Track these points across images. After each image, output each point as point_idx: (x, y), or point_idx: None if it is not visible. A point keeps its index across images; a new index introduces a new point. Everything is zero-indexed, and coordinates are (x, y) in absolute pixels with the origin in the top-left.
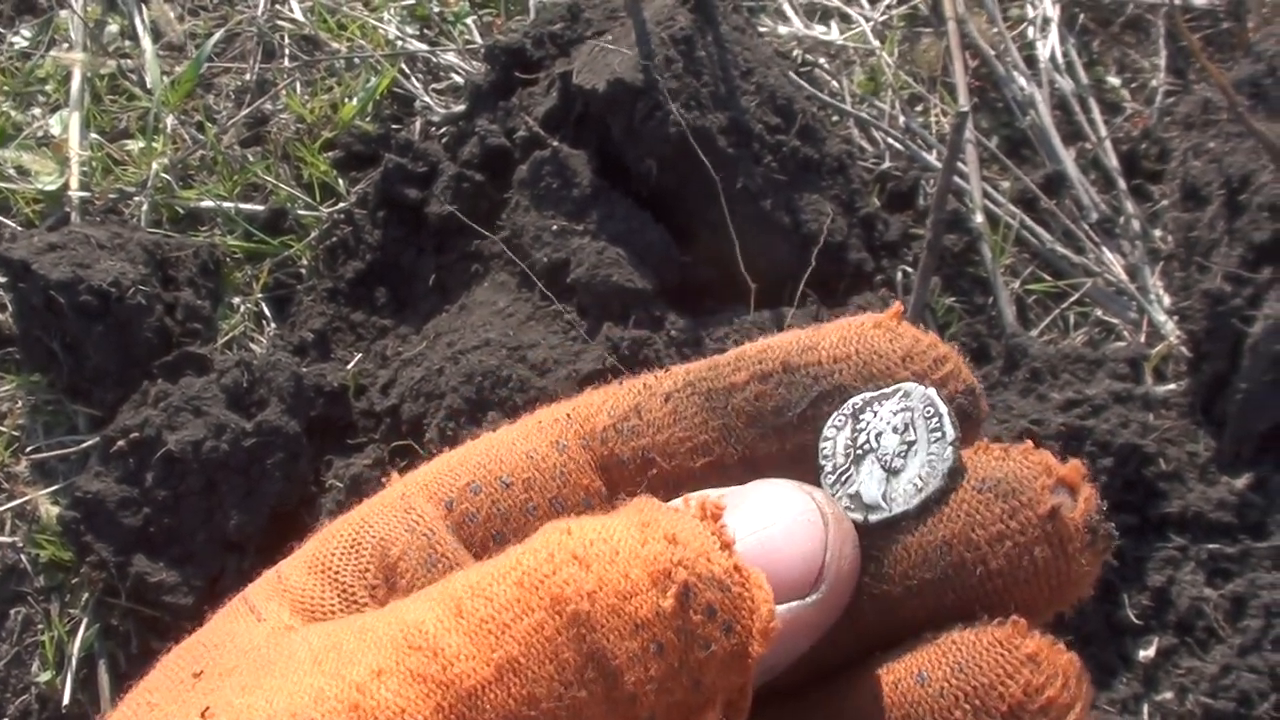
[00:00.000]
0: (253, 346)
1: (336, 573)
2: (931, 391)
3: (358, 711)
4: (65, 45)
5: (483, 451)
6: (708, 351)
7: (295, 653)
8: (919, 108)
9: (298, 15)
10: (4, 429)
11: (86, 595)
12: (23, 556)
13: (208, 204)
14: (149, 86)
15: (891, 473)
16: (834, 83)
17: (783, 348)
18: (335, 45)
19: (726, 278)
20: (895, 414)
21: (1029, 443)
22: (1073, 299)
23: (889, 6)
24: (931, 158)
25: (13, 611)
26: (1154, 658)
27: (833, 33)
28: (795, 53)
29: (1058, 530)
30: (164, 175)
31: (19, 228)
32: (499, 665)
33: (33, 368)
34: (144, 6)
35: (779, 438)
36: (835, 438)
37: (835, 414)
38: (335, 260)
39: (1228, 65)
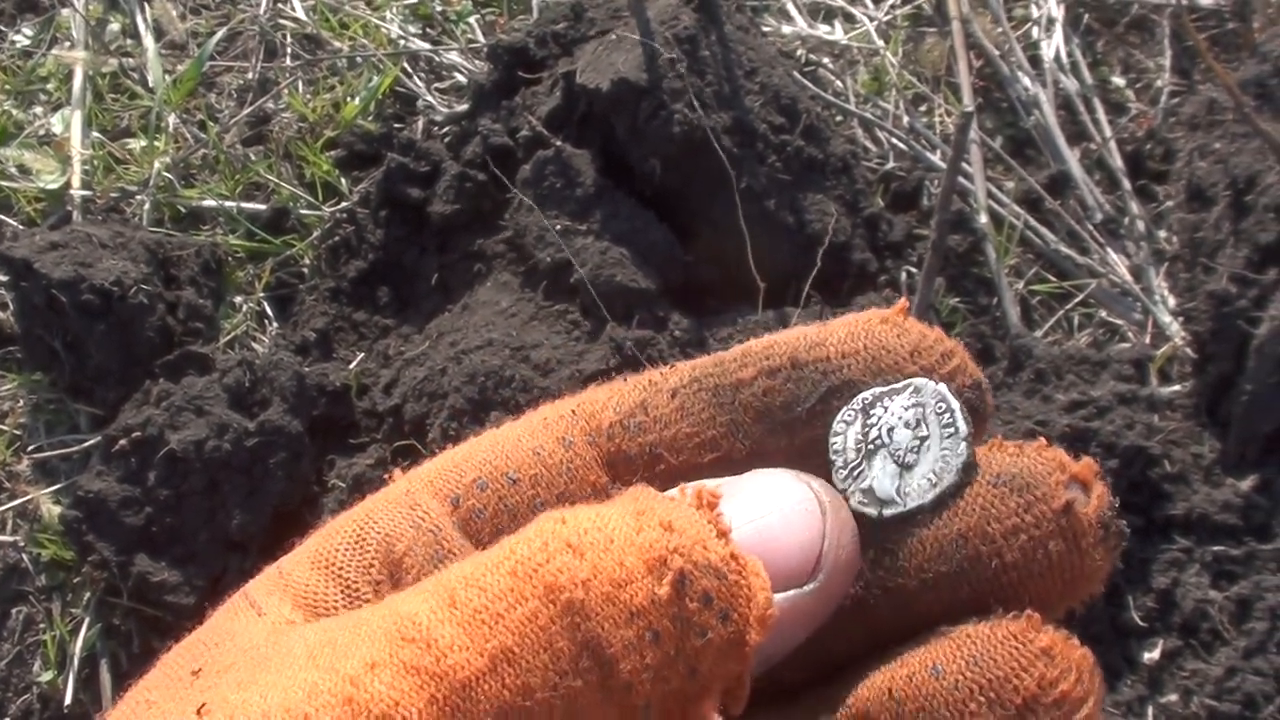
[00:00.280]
0: (255, 346)
1: (340, 568)
2: (943, 387)
3: (351, 705)
4: (67, 44)
5: (488, 448)
6: (711, 351)
7: (292, 648)
8: (923, 108)
9: (300, 14)
10: (6, 428)
11: (88, 595)
12: (24, 556)
13: (210, 203)
14: (151, 85)
15: (905, 467)
16: (838, 82)
17: (790, 343)
18: (337, 44)
19: (730, 278)
20: (907, 409)
21: (1042, 440)
22: (1077, 300)
23: (893, 6)
24: (936, 158)
25: (14, 611)
26: (1159, 660)
27: (837, 32)
28: (799, 52)
29: (1072, 525)
30: (166, 174)
31: (21, 226)
32: (493, 655)
33: (34, 367)
34: (146, 5)
35: (788, 433)
36: (845, 433)
37: (845, 409)
38: (337, 260)
39: (1233, 66)
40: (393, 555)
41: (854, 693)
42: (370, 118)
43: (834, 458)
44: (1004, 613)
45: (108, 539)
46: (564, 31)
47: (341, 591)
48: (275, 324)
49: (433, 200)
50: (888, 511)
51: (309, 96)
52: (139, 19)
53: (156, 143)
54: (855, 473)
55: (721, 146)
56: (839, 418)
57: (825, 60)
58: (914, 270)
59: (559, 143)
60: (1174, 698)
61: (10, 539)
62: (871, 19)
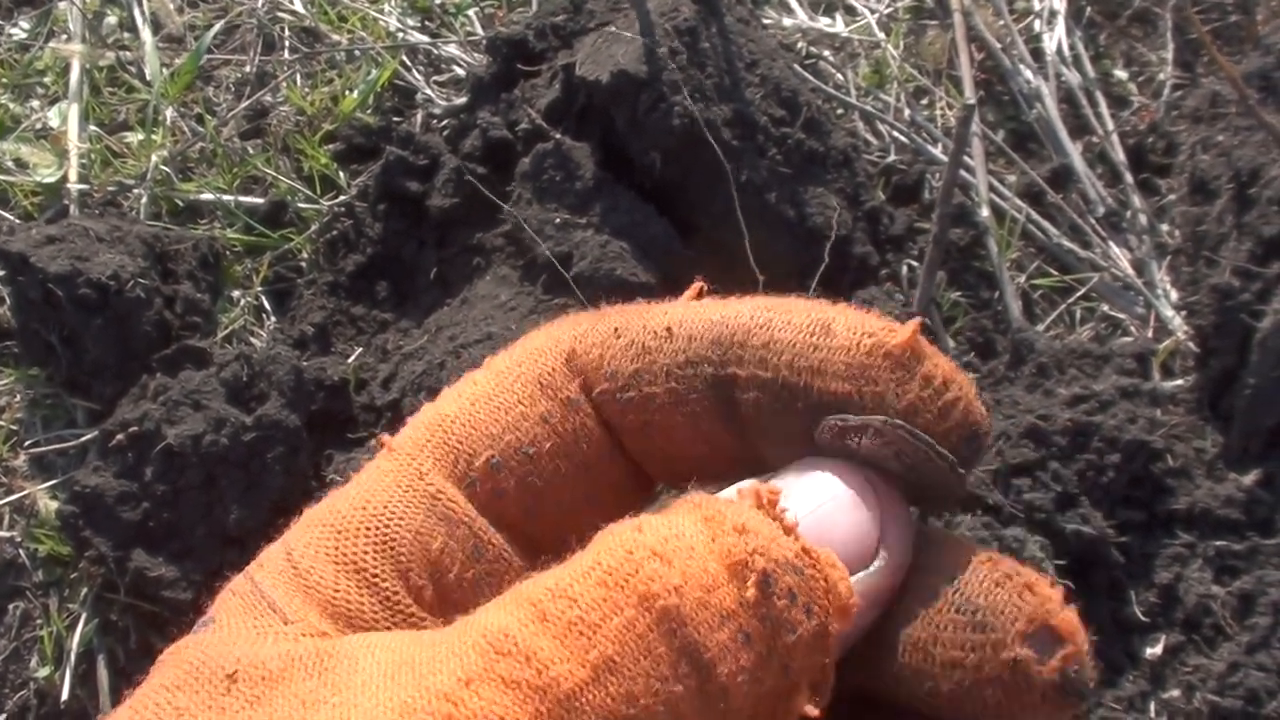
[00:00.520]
0: (253, 340)
1: (375, 577)
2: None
3: None
4: (64, 37)
5: (490, 417)
6: None
7: (359, 664)
8: (924, 101)
9: (298, 7)
10: (2, 423)
11: (85, 590)
12: (21, 551)
13: (207, 197)
14: (148, 79)
15: None
16: (839, 75)
17: (789, 349)
18: (336, 37)
19: (731, 271)
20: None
21: (1044, 577)
22: (1079, 294)
23: None
24: (937, 151)
25: (11, 606)
26: (1161, 655)
27: (837, 25)
28: (800, 45)
29: (1015, 680)
30: (163, 168)
31: (17, 220)
32: (595, 665)
33: (31, 361)
34: None
35: (781, 441)
36: None
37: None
38: (336, 253)
39: (1236, 58)
40: (429, 555)
41: None
42: (369, 111)
43: None
44: None
45: (105, 534)
46: (563, 24)
47: (380, 603)
48: (273, 318)
49: (431, 194)
50: None
51: (307, 90)
52: (136, 12)
53: (154, 136)
54: None
55: (722, 139)
56: None
57: (826, 53)
58: (915, 264)
59: (558, 135)
60: (1176, 693)
61: (7, 534)
62: (872, 11)
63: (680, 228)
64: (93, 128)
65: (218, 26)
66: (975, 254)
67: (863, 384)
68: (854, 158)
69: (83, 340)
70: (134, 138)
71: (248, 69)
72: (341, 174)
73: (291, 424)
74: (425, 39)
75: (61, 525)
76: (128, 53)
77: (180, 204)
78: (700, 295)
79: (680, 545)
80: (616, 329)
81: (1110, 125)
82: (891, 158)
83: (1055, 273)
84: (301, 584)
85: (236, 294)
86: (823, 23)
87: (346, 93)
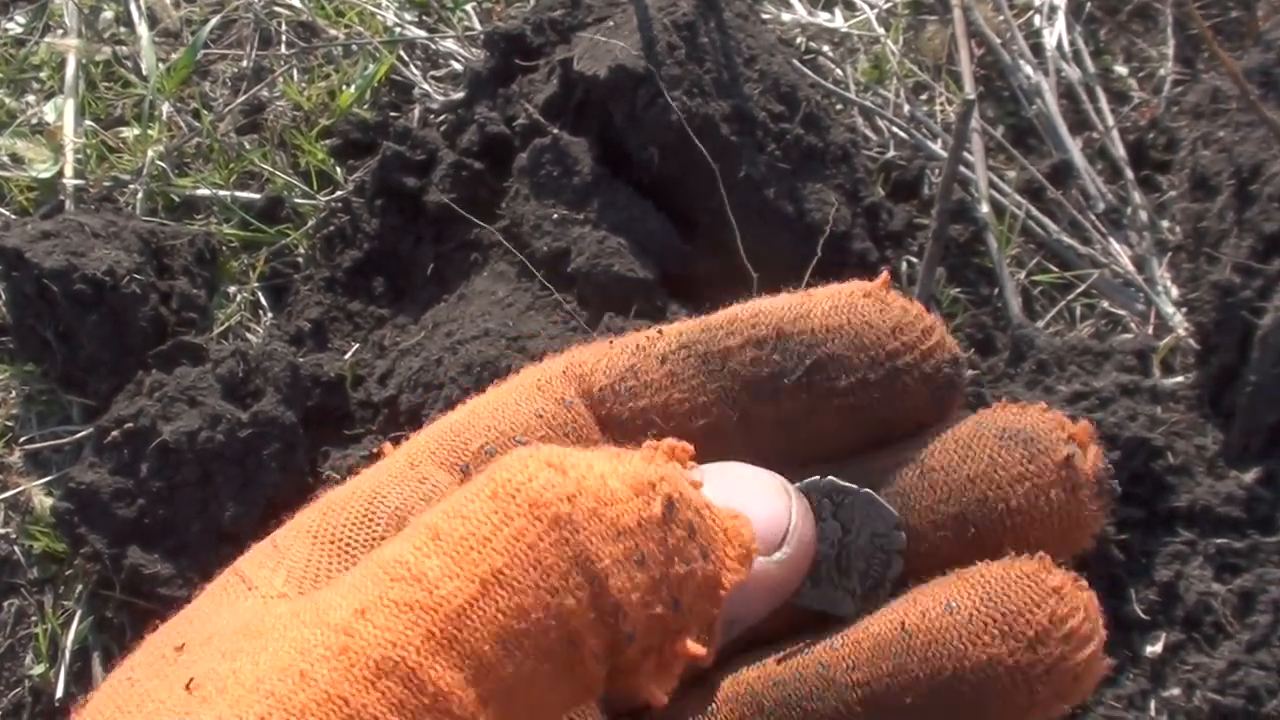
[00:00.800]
0: (249, 336)
1: (347, 544)
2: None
3: (348, 654)
4: (60, 31)
5: (488, 414)
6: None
7: (277, 614)
8: (924, 96)
9: (294, 2)
10: None
11: (80, 587)
12: (16, 548)
13: (203, 192)
14: (144, 73)
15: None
16: (838, 70)
17: (775, 313)
18: (333, 32)
19: (729, 267)
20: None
21: (1042, 404)
22: (1079, 290)
23: None
24: (937, 147)
25: (6, 604)
26: (1161, 653)
27: (837, 20)
28: (799, 40)
29: (1072, 476)
30: (159, 163)
31: (13, 216)
32: (483, 579)
33: (26, 357)
34: None
35: (774, 402)
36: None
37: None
38: (332, 249)
39: (1237, 54)
40: (404, 526)
41: (863, 627)
42: (366, 106)
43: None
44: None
45: (100, 531)
46: (561, 18)
47: (348, 567)
48: (269, 314)
49: (429, 189)
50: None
51: (304, 85)
52: (132, 6)
53: (150, 131)
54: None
55: (720, 135)
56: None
57: (825, 48)
58: (914, 260)
59: (556, 131)
60: (1177, 691)
61: (1, 531)
62: (872, 6)
63: (679, 223)
64: (88, 123)
65: (214, 21)
66: (975, 250)
67: (849, 315)
68: (853, 153)
69: (78, 336)
70: (130, 133)
71: (244, 64)
72: (338, 169)
73: (287, 420)
74: (423, 34)
75: (56, 522)
76: (124, 47)
77: (176, 199)
78: None
79: (579, 459)
80: (611, 341)
81: (1110, 121)
82: (891, 153)
83: (1055, 269)
84: (276, 556)
85: (233, 290)
86: (822, 18)
87: (343, 88)
